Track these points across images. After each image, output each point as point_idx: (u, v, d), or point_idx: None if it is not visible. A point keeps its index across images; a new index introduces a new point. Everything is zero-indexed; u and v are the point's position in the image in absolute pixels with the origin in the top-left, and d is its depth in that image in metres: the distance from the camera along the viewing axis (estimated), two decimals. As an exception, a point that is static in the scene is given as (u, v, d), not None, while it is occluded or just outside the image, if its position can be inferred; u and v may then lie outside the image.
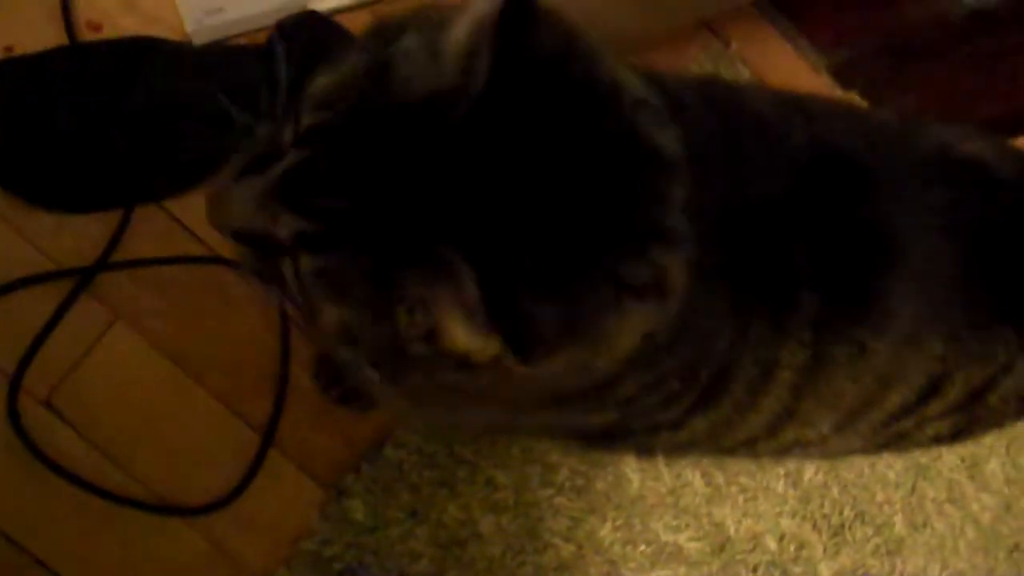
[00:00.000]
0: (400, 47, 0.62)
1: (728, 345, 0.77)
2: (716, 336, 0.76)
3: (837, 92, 1.50)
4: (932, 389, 0.85)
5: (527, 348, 0.55)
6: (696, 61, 1.43)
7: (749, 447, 0.91)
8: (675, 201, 0.62)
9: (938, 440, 0.96)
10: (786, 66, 1.48)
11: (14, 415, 1.07)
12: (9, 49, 1.12)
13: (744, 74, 1.44)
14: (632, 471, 1.27)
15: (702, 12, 1.40)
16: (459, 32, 0.60)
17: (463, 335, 0.58)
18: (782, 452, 0.95)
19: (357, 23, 1.24)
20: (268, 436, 1.15)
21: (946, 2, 1.28)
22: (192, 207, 1.15)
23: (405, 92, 0.59)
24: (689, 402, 0.81)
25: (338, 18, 1.23)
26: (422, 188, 0.57)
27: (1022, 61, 1.35)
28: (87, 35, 1.15)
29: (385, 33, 0.65)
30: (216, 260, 1.14)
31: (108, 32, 1.16)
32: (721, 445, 0.91)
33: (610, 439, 0.93)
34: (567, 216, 0.57)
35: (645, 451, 0.98)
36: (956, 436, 0.95)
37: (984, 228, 0.81)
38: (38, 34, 1.13)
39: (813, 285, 0.75)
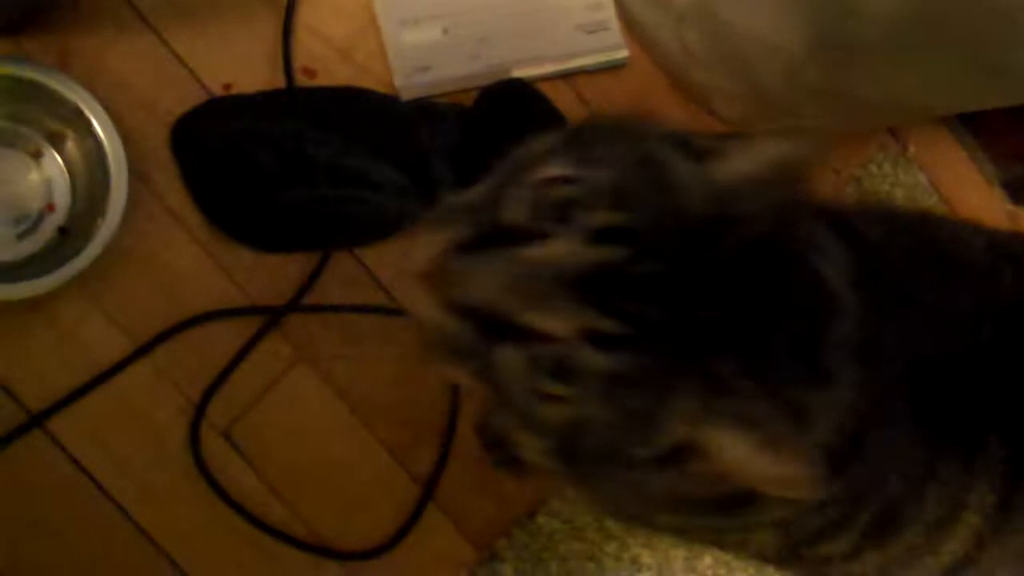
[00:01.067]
0: (665, 156, 0.65)
1: (905, 483, 0.77)
2: (889, 473, 0.76)
3: (1008, 207, 1.49)
4: None
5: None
6: (874, 160, 1.43)
7: None
8: (834, 340, 0.64)
9: None
10: (961, 175, 1.48)
11: (195, 442, 1.10)
12: (228, 87, 1.15)
13: (920, 179, 1.44)
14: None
15: (891, 120, 1.40)
16: (740, 166, 0.63)
17: (753, 463, 0.60)
18: None
19: (557, 92, 1.26)
20: (429, 490, 1.17)
21: None
22: (382, 257, 1.18)
23: (686, 207, 0.61)
24: (859, 531, 0.80)
25: (539, 86, 1.25)
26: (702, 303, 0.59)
27: None
28: (302, 80, 1.18)
29: (603, 136, 0.68)
30: (400, 312, 1.16)
31: (322, 79, 1.19)
32: None
33: (781, 561, 0.93)
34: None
35: None
36: None
37: None
38: (256, 76, 1.16)
39: (1004, 428, 0.75)
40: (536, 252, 0.60)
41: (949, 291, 0.78)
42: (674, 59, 1.32)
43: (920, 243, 0.83)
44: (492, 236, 0.63)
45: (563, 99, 1.27)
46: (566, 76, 1.29)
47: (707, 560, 1.25)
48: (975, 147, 1.48)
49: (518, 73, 1.25)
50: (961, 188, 1.47)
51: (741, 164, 0.63)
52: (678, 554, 1.24)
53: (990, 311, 0.77)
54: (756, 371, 0.60)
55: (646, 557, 1.23)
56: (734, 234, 0.61)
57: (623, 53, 1.31)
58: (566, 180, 0.63)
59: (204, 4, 1.15)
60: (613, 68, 1.32)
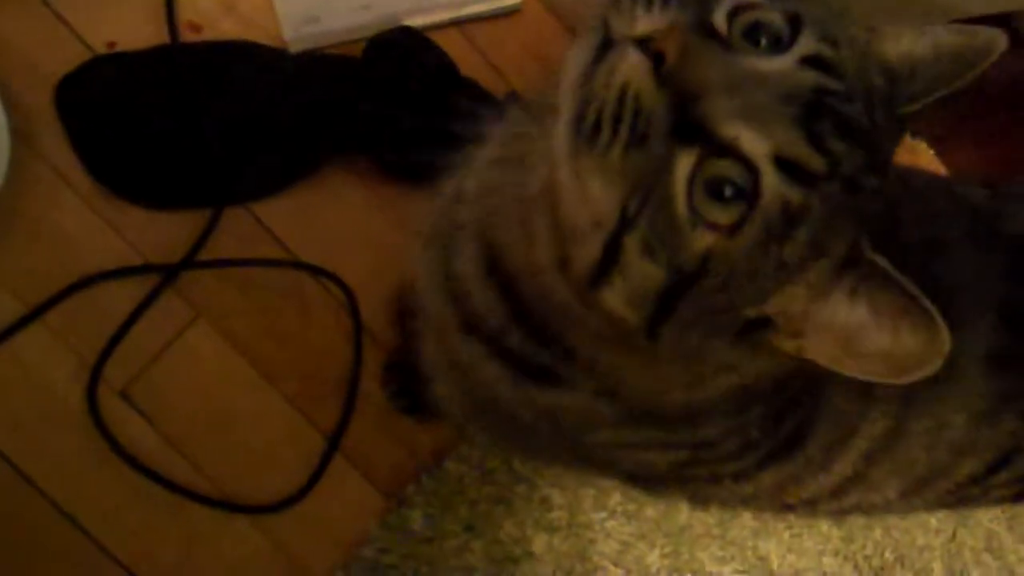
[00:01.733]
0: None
1: (816, 401, 0.78)
2: (808, 391, 0.78)
3: (905, 139, 1.52)
4: (1003, 461, 0.86)
5: None
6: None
7: (810, 506, 0.92)
8: None
9: (1000, 502, 0.97)
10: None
11: (92, 403, 1.09)
12: (111, 45, 1.14)
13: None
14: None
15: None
16: (913, 47, 0.64)
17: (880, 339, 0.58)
18: (842, 513, 0.96)
19: (448, 40, 1.25)
20: (334, 442, 1.17)
21: (1018, 61, 1.29)
22: (278, 211, 1.17)
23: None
24: (763, 454, 0.82)
25: (430, 34, 1.24)
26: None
27: None
28: (188, 36, 1.17)
29: None
30: (298, 265, 1.17)
31: (208, 34, 1.18)
32: (781, 502, 0.92)
33: (665, 483, 0.94)
34: None
35: (700, 500, 0.99)
36: (1018, 498, 0.97)
37: None
38: (140, 32, 1.15)
39: None
40: (760, 63, 0.58)
41: None
42: (566, 3, 1.32)
43: None
44: (709, 34, 0.59)
45: (455, 47, 1.27)
46: (458, 24, 1.29)
47: (616, 497, 1.26)
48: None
49: (409, 22, 1.24)
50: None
51: (914, 45, 0.63)
52: (587, 493, 1.25)
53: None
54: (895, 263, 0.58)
55: (556, 497, 1.24)
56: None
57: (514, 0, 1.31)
58: (762, 6, 0.61)
59: (83, -40, 1.14)
60: (506, 15, 1.31)
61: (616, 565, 1.25)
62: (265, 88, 1.17)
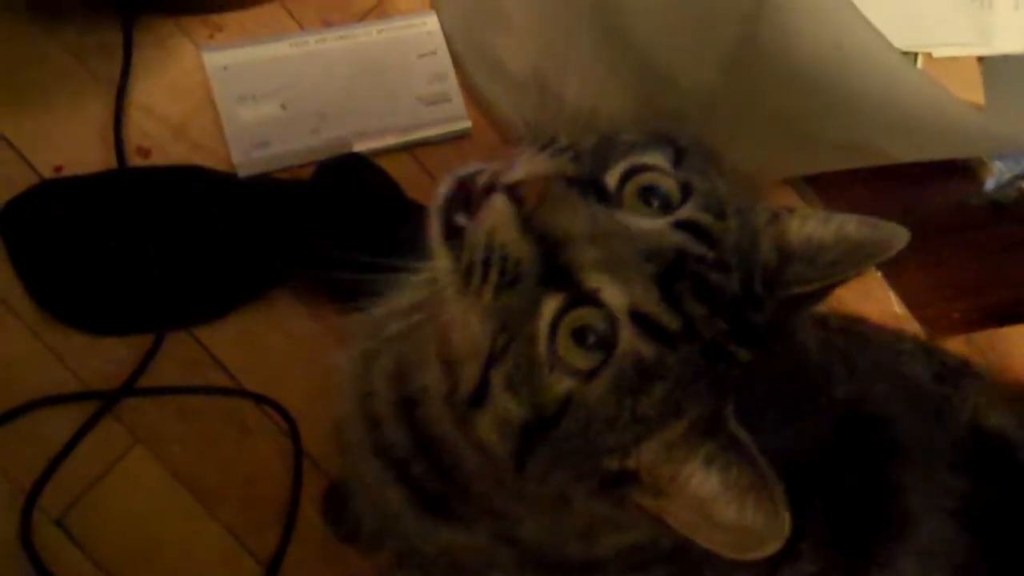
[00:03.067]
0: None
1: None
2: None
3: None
4: None
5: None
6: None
7: None
8: None
9: None
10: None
11: (26, 530, 1.08)
12: (59, 169, 1.14)
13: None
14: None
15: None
16: (815, 231, 0.65)
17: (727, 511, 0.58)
18: None
19: (399, 164, 1.27)
20: (272, 570, 1.16)
21: (966, 189, 1.31)
22: (221, 336, 1.17)
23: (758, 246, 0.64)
24: None
25: (377, 159, 1.26)
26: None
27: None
28: (136, 160, 1.17)
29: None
30: (240, 393, 1.16)
31: (156, 158, 1.19)
32: None
33: None
34: None
35: None
36: None
37: (997, 519, 0.82)
38: (88, 157, 1.16)
39: (818, 540, 0.76)
40: (630, 219, 0.60)
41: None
42: (516, 128, 1.34)
43: None
44: (590, 187, 0.62)
45: (406, 170, 1.28)
46: (409, 147, 1.30)
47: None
48: (817, 204, 1.52)
49: (359, 146, 1.26)
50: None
51: (816, 230, 0.64)
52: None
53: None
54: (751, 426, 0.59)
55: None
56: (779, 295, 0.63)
57: (465, 124, 1.33)
58: (660, 171, 0.64)
59: (30, 83, 1.15)
60: (456, 138, 1.33)
61: None
62: (212, 212, 1.17)
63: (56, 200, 1.14)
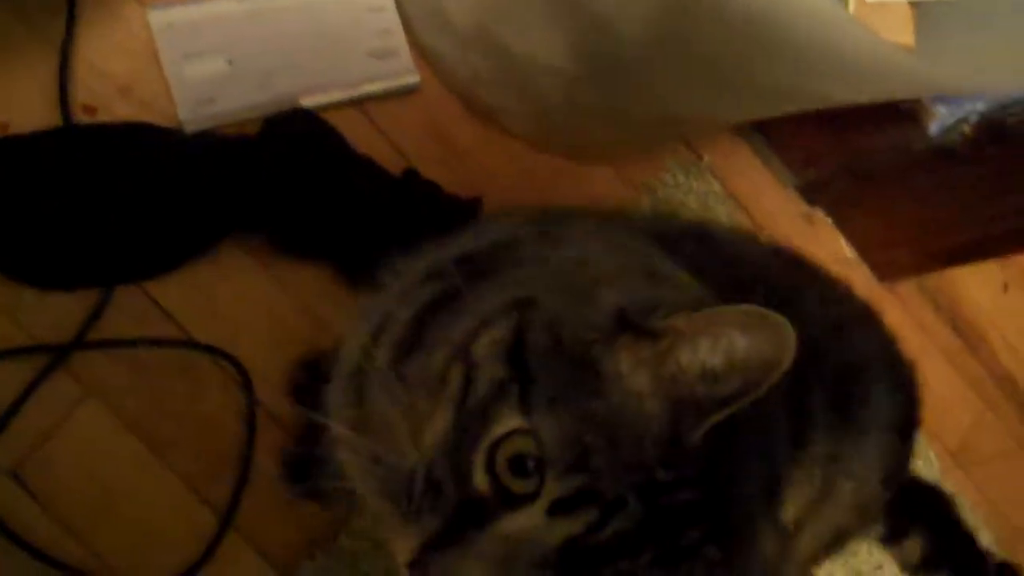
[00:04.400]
0: (613, 365, 0.65)
1: None
2: None
3: (802, 208, 1.56)
4: None
5: None
6: (668, 170, 1.48)
7: None
8: None
9: None
10: (755, 181, 1.54)
11: (-20, 485, 1.09)
12: (4, 127, 1.15)
13: (715, 187, 1.49)
14: None
15: (681, 135, 1.45)
16: (703, 356, 0.63)
17: None
18: None
19: (347, 118, 1.28)
20: (227, 518, 1.17)
21: (910, 134, 1.33)
22: (171, 289, 1.18)
23: (637, 452, 0.63)
24: None
25: (326, 115, 1.27)
26: None
27: (976, 195, 1.40)
28: (82, 118, 1.18)
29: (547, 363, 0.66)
30: (190, 344, 1.18)
31: (102, 116, 1.19)
32: None
33: None
34: None
35: None
36: None
37: None
38: (33, 114, 1.16)
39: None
40: (507, 528, 0.62)
41: None
42: (463, 82, 1.35)
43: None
44: (460, 519, 0.63)
45: (354, 125, 1.30)
46: (357, 102, 1.31)
47: None
48: (769, 153, 1.54)
49: (306, 101, 1.27)
50: (756, 194, 1.53)
51: (708, 359, 0.63)
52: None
53: None
54: None
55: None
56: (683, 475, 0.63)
57: (414, 78, 1.34)
58: (522, 432, 0.64)
59: (-26, 43, 1.15)
60: (405, 93, 1.34)
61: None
62: (160, 168, 1.18)
63: (1, 158, 1.14)
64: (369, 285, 1.24)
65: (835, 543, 1.02)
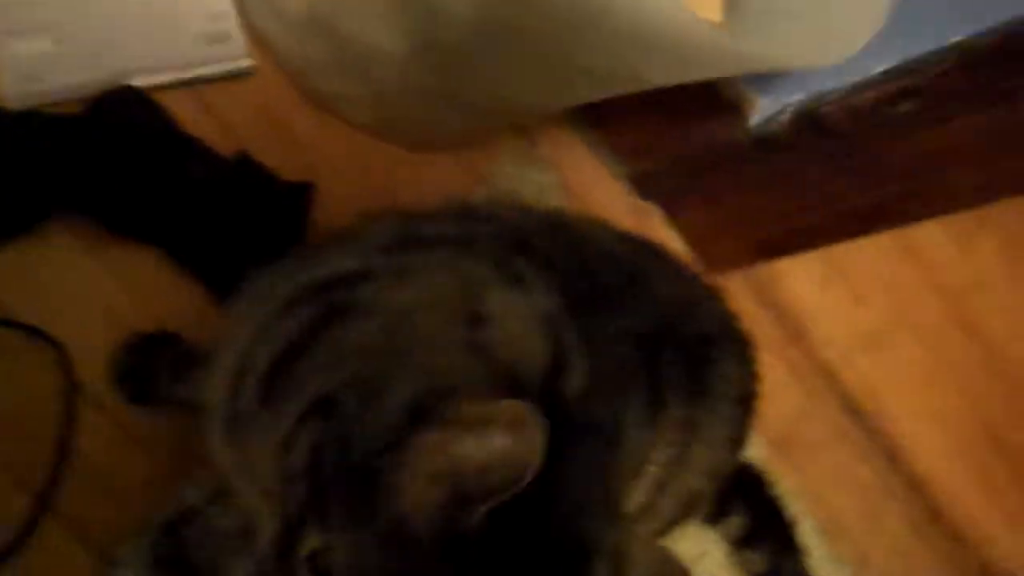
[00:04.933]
0: (406, 489, 0.66)
1: None
2: None
3: (633, 201, 1.60)
4: None
5: None
6: (503, 159, 1.50)
7: None
8: None
9: None
10: (587, 172, 1.58)
11: None
12: None
13: (549, 178, 1.53)
14: None
15: (501, 119, 1.47)
16: (469, 451, 0.64)
17: None
18: None
19: (180, 100, 1.27)
20: (43, 503, 1.16)
21: (733, 125, 1.37)
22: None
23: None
24: None
25: (157, 96, 1.26)
26: None
27: (794, 186, 1.46)
28: None
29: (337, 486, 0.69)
30: (8, 324, 1.16)
31: (-81, 90, 1.16)
32: None
33: None
34: None
35: None
36: None
37: None
38: None
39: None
40: None
41: None
42: (298, 67, 1.35)
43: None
44: None
45: (187, 108, 1.29)
46: (189, 85, 1.31)
47: None
48: (599, 144, 1.58)
49: (136, 82, 1.25)
50: (588, 185, 1.57)
51: (473, 449, 0.63)
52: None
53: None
54: None
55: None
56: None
57: (247, 62, 1.34)
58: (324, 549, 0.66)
59: None
60: (239, 77, 1.34)
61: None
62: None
63: None
64: (202, 273, 1.25)
65: (690, 507, 1.08)
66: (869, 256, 1.73)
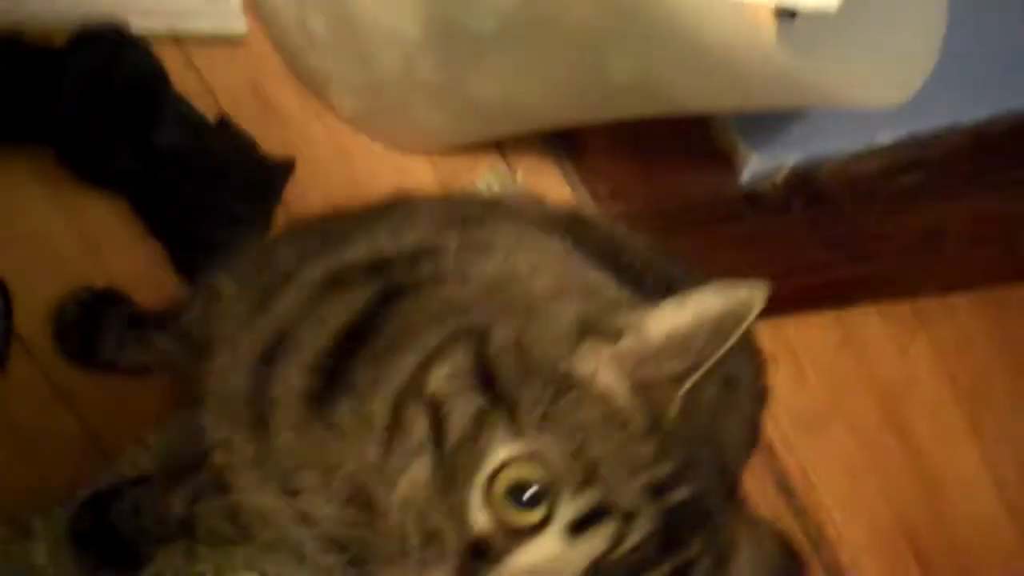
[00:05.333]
0: (596, 386, 0.65)
1: None
2: None
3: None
4: None
5: None
6: (484, 180, 1.45)
7: None
8: None
9: None
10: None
11: None
12: None
13: (524, 203, 1.48)
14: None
15: (500, 127, 1.41)
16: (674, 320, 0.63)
17: None
18: None
19: (166, 55, 1.19)
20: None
21: (722, 179, 1.34)
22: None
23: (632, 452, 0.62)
24: None
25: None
26: None
27: (778, 246, 1.44)
28: None
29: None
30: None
31: None
32: None
33: None
34: None
35: None
36: None
37: None
38: None
39: None
40: (523, 564, 0.59)
41: None
42: (294, 41, 1.28)
43: None
44: (469, 566, 0.60)
45: (172, 63, 1.20)
46: (178, 40, 1.22)
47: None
48: (575, 180, 1.54)
49: (129, 24, 1.16)
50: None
51: (675, 320, 0.63)
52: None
53: None
54: None
55: (203, 551, 1.13)
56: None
57: (240, 27, 1.26)
58: (519, 460, 0.61)
59: None
60: (228, 41, 1.26)
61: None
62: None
63: None
64: (163, 235, 1.15)
65: None
66: (816, 338, 1.73)
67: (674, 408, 0.63)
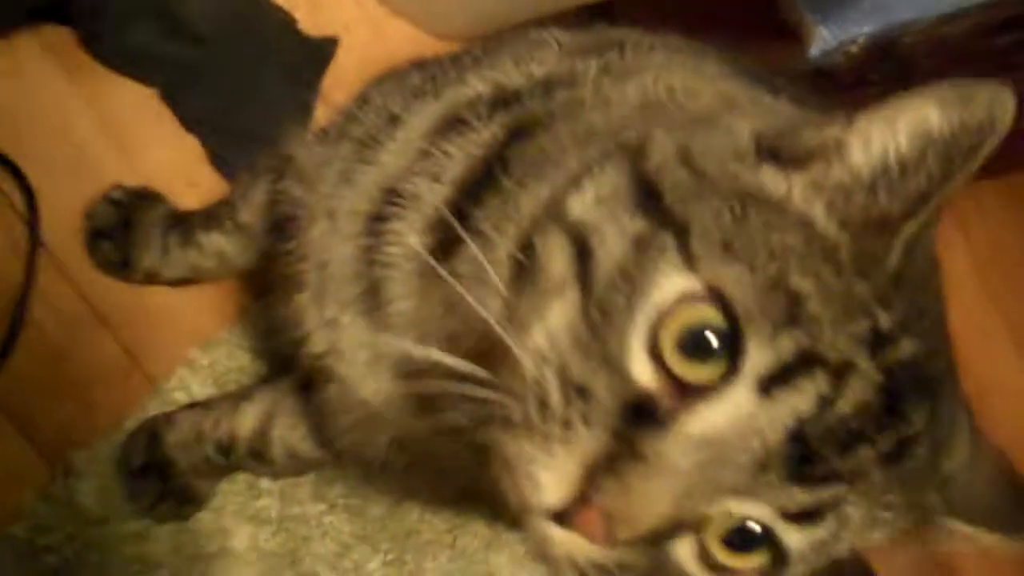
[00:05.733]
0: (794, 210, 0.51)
1: None
2: None
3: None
4: None
5: None
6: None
7: None
8: None
9: None
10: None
11: None
12: None
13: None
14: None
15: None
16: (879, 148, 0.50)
17: None
18: None
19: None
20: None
21: (789, 53, 1.24)
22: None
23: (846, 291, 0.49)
24: None
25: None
26: None
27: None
28: None
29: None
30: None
31: None
32: None
33: None
34: None
35: None
36: None
37: None
38: None
39: None
40: (701, 427, 0.46)
41: None
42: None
43: None
44: (630, 427, 0.47)
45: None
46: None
47: (339, 488, 1.05)
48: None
49: None
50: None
51: (888, 142, 0.49)
52: (306, 480, 1.04)
53: None
54: None
55: (266, 482, 1.01)
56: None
57: None
58: (692, 298, 0.48)
59: None
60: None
61: (332, 570, 1.04)
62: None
63: None
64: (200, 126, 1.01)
65: None
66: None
67: (895, 256, 0.49)
